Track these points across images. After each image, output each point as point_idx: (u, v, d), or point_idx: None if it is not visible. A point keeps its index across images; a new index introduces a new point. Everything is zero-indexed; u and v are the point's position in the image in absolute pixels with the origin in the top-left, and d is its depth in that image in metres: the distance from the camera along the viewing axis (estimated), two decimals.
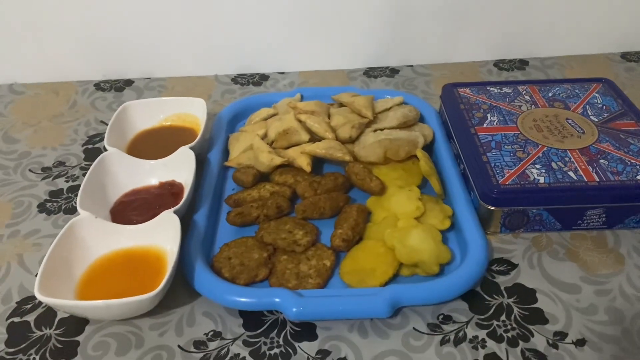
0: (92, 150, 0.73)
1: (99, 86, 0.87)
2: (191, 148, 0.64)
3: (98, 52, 0.88)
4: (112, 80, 0.89)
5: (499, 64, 0.90)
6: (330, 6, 0.84)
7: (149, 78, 0.89)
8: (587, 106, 0.69)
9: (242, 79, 0.88)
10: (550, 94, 0.72)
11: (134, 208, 0.61)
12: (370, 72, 0.89)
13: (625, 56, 0.90)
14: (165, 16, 0.84)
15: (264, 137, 0.70)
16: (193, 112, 0.73)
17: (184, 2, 0.83)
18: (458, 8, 0.85)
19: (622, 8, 0.88)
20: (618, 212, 0.58)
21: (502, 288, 0.53)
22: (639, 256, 0.56)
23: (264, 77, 0.89)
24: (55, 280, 0.50)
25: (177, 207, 0.56)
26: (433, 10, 0.86)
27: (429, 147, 0.69)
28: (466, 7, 0.86)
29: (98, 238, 0.55)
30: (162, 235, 0.55)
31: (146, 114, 0.73)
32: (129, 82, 0.88)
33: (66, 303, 0.48)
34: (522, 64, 0.90)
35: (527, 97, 0.71)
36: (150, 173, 0.64)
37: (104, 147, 0.65)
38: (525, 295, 0.53)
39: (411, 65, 0.90)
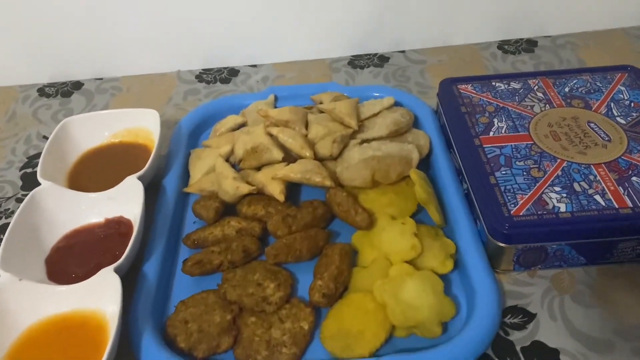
0: (32, 175, 0.63)
1: (43, 91, 0.76)
2: (140, 178, 0.53)
3: (42, 50, 0.76)
4: (59, 83, 0.77)
5: (503, 46, 0.78)
6: None
7: (101, 79, 0.77)
8: (612, 104, 0.58)
9: (208, 76, 0.77)
10: (567, 89, 0.60)
11: (74, 256, 0.51)
12: (356, 62, 0.77)
13: None
14: (120, 5, 0.71)
15: (230, 154, 0.59)
16: (146, 125, 0.62)
17: None
18: None
19: None
20: None
21: (518, 349, 0.44)
22: None
23: (233, 72, 0.77)
24: None
25: (118, 262, 0.46)
26: None
27: (426, 160, 0.59)
28: None
29: (25, 305, 0.46)
30: (103, 296, 0.46)
31: (91, 130, 0.62)
32: (77, 85, 0.76)
33: None
34: (530, 44, 0.78)
35: (539, 94, 0.60)
36: (94, 208, 0.54)
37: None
38: (547, 358, 0.43)
39: (403, 51, 0.78)
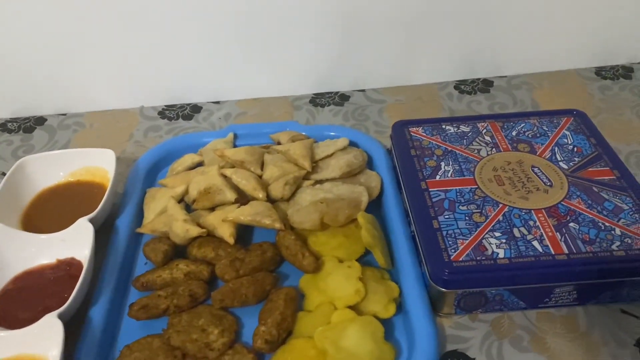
0: None
1: (5, 127, 0.76)
2: (91, 220, 0.54)
3: (5, 85, 0.76)
4: (21, 118, 0.77)
5: (460, 86, 0.80)
6: (273, 25, 0.74)
7: (65, 114, 0.78)
8: (556, 148, 0.60)
9: (170, 112, 0.78)
10: (514, 133, 0.62)
11: (22, 300, 0.51)
12: (318, 100, 0.79)
13: (600, 72, 0.81)
14: (84, 41, 0.73)
15: (184, 194, 0.60)
16: (102, 165, 0.62)
17: (103, 25, 0.71)
18: (414, 24, 0.75)
19: (594, 19, 0.78)
20: (591, 289, 0.50)
21: None
22: (616, 343, 0.47)
23: (195, 109, 0.78)
24: None
25: (62, 308, 0.47)
26: (386, 27, 0.75)
27: (377, 199, 0.60)
28: (423, 23, 0.76)
29: None
30: (46, 342, 0.46)
31: (48, 169, 0.63)
32: (40, 121, 0.77)
33: None
34: (486, 84, 0.80)
35: (487, 138, 0.62)
36: (46, 250, 0.55)
37: None
38: None
39: (363, 90, 0.80)
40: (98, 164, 0.63)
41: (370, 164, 0.65)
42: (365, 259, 0.54)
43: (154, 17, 0.71)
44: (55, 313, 0.46)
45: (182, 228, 0.54)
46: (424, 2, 0.73)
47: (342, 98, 0.79)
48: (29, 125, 0.76)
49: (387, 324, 0.48)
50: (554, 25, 0.78)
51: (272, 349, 0.46)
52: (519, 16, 0.76)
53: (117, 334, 0.50)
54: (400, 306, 0.51)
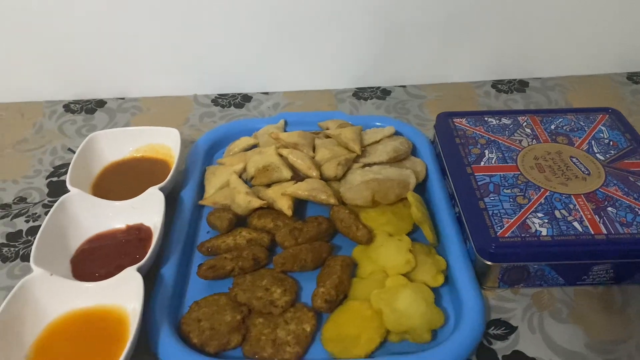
0: (57, 184, 0.68)
1: (68, 107, 0.81)
2: (161, 189, 0.59)
3: (70, 69, 0.81)
4: (83, 100, 0.83)
5: (497, 85, 0.84)
6: (318, 23, 0.78)
7: (123, 98, 0.83)
8: (593, 141, 0.64)
9: (222, 100, 0.82)
10: (552, 126, 0.66)
11: (96, 258, 0.56)
12: (360, 93, 0.83)
13: (632, 77, 0.85)
14: (141, 31, 0.78)
15: (242, 172, 0.65)
16: (166, 142, 0.67)
17: (160, 17, 0.76)
18: (453, 25, 0.80)
19: (626, 26, 0.82)
20: (627, 268, 0.53)
21: (500, 357, 0.48)
22: None
23: (246, 98, 0.83)
24: (2, 352, 0.44)
25: (141, 263, 0.51)
26: (427, 27, 0.80)
27: (422, 184, 0.64)
28: (462, 24, 0.80)
29: (53, 298, 0.50)
30: (125, 294, 0.50)
31: (116, 144, 0.67)
32: (100, 103, 0.82)
33: None
34: (522, 85, 0.84)
35: (527, 130, 0.66)
36: (117, 215, 0.59)
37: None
38: None
39: (404, 86, 0.85)
40: (162, 141, 0.67)
41: (414, 152, 0.69)
42: (411, 236, 0.58)
43: (208, 14, 0.76)
44: (134, 267, 0.50)
45: (244, 199, 0.58)
46: (464, 5, 0.78)
47: (383, 92, 0.83)
48: (90, 107, 0.81)
49: (435, 294, 0.52)
50: (588, 30, 0.82)
51: (330, 309, 0.50)
52: (555, 21, 0.81)
53: (185, 293, 0.54)
54: (447, 279, 0.54)
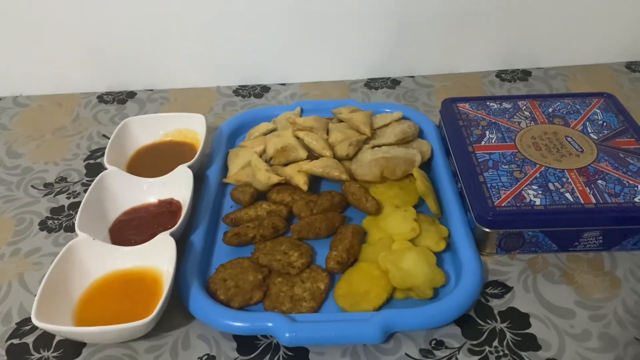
0: (94, 165, 0.74)
1: (102, 98, 0.88)
2: (189, 167, 0.65)
3: (102, 63, 0.88)
4: (115, 92, 0.89)
5: (501, 75, 0.89)
6: (332, 17, 0.84)
7: (152, 90, 0.90)
8: (587, 123, 0.68)
9: (243, 91, 0.89)
10: (550, 110, 0.71)
11: (132, 227, 0.62)
12: (372, 84, 0.89)
13: (630, 66, 0.89)
14: (169, 28, 0.84)
15: (262, 153, 0.70)
16: (193, 127, 0.73)
17: (187, 15, 0.83)
18: (460, 19, 0.85)
19: (626, 17, 0.86)
20: (615, 235, 0.58)
21: (496, 312, 0.54)
22: (636, 280, 0.56)
23: (265, 89, 0.89)
24: (53, 304, 0.51)
25: (173, 228, 0.57)
26: (435, 20, 0.85)
27: (428, 164, 0.69)
28: (468, 17, 0.85)
29: (96, 260, 0.56)
30: (159, 256, 0.56)
31: (147, 129, 0.74)
32: (131, 94, 0.89)
33: (63, 329, 0.49)
34: (525, 74, 0.89)
35: (526, 113, 0.71)
36: (149, 191, 0.65)
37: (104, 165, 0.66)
38: (519, 320, 0.53)
39: (413, 76, 0.90)
40: (189, 126, 0.73)
41: (420, 135, 0.74)
42: (417, 210, 0.63)
43: (231, 16, 0.83)
44: (168, 232, 0.56)
45: (264, 176, 0.64)
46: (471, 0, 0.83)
47: (393, 82, 0.89)
48: (121, 97, 0.88)
49: (437, 258, 0.57)
50: (588, 22, 0.86)
51: (342, 270, 0.56)
52: (556, 14, 0.85)
53: (211, 258, 0.60)
54: (448, 246, 0.59)
